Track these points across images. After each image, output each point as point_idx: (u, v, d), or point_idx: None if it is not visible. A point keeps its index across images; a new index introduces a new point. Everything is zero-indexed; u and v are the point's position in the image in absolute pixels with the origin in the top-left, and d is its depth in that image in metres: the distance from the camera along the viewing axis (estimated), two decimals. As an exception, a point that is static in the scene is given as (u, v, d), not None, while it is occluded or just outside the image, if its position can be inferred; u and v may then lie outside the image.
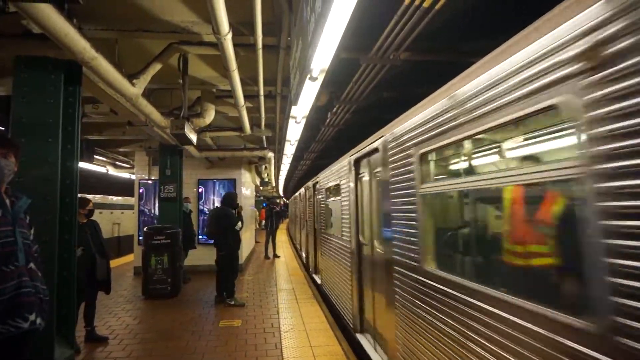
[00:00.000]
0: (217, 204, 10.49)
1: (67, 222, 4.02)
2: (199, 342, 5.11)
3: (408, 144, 3.13)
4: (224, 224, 6.95)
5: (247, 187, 12.98)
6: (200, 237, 10.50)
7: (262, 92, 5.88)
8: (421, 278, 2.88)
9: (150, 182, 10.75)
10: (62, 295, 3.94)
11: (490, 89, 2.04)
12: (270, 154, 11.06)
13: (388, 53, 4.84)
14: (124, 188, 20.39)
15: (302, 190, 11.97)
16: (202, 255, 9.90)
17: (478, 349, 2.11)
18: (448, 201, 3.12)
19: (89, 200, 5.06)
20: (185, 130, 5.38)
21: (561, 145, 1.94)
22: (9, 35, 3.86)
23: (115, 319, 6.15)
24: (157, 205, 9.86)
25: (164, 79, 5.50)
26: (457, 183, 2.58)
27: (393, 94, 7.10)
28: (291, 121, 6.22)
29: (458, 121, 2.35)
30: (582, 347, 1.46)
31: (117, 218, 21.43)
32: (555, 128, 1.91)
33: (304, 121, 6.15)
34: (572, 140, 1.58)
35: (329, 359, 4.49)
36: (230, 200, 7.32)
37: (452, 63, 5.17)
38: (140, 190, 10.81)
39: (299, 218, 14.28)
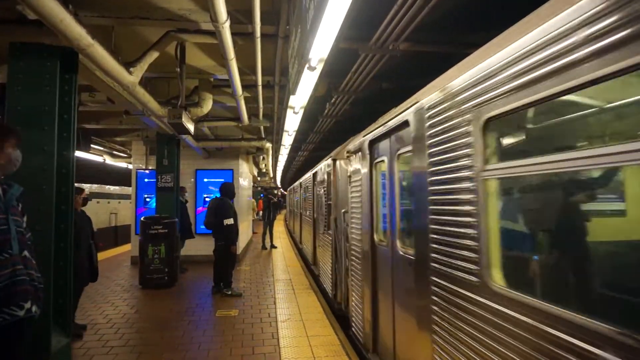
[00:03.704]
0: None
1: (63, 212, 3.99)
2: (195, 331, 5.14)
3: (464, 107, 2.21)
4: (222, 215, 6.94)
5: (244, 178, 12.96)
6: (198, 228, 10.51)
7: (260, 82, 5.83)
8: None
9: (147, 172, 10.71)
10: (59, 285, 3.93)
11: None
12: (268, 145, 11.03)
13: (387, 43, 4.81)
14: (122, 177, 20.31)
15: (308, 175, 10.97)
16: (199, 246, 9.92)
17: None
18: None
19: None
20: (183, 119, 5.34)
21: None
22: (4, 21, 3.79)
23: (112, 308, 6.16)
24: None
25: (161, 67, 5.44)
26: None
27: (392, 85, 7.06)
28: (289, 111, 6.19)
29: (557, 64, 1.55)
30: None
31: (114, 208, 21.40)
32: None
33: (302, 112, 6.12)
34: None
35: (326, 349, 4.52)
36: (229, 190, 7.30)
37: (451, 55, 5.14)
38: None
39: (297, 208, 14.79)
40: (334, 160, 6.34)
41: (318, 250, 8.51)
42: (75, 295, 5.06)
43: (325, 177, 7.14)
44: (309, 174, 10.59)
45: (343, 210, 5.62)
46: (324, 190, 7.23)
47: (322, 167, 7.66)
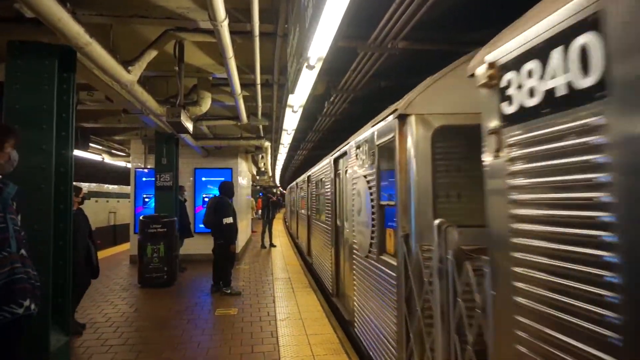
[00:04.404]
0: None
1: (62, 211, 3.98)
2: (194, 330, 5.14)
3: None
4: (221, 214, 6.93)
5: (243, 177, 12.95)
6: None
7: (258, 81, 5.83)
8: None
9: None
10: (58, 284, 3.93)
11: None
12: (267, 144, 11.02)
13: (386, 42, 4.80)
14: (120, 176, 20.28)
15: (325, 163, 7.99)
16: (198, 245, 9.92)
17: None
18: None
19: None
20: (182, 118, 5.34)
21: None
22: (2, 19, 3.78)
23: (112, 307, 6.16)
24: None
25: (159, 66, 5.42)
26: None
27: (391, 83, 7.06)
28: (288, 110, 6.17)
29: None
30: None
31: (112, 207, 21.37)
32: None
33: (301, 110, 6.11)
34: None
35: (325, 347, 4.53)
36: (228, 189, 7.29)
37: (450, 53, 5.14)
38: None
39: (306, 210, 11.92)
40: (403, 118, 3.20)
41: (347, 281, 5.74)
42: (77, 294, 5.08)
43: (372, 157, 4.05)
44: (325, 161, 7.63)
45: (437, 222, 2.60)
46: (367, 182, 4.17)
47: (364, 139, 4.41)
